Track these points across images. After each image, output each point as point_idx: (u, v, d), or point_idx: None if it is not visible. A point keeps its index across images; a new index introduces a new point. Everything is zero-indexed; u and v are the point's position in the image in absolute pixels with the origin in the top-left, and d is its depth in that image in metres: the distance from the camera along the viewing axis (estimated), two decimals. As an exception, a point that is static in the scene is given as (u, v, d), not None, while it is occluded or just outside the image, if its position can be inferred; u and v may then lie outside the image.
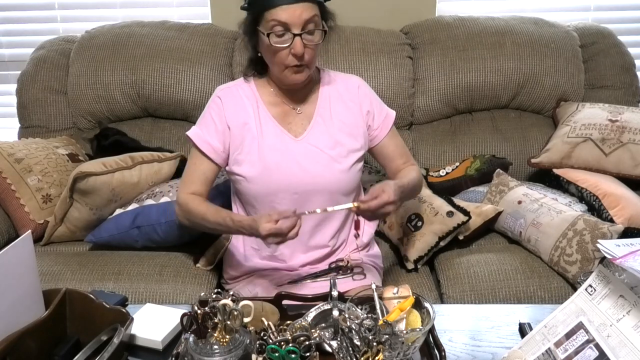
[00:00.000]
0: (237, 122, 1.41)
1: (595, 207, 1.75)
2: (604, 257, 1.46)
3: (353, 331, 0.91)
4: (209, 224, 1.36)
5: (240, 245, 1.53)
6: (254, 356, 0.94)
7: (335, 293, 1.06)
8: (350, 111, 1.45)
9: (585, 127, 1.92)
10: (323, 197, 1.40)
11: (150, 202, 1.76)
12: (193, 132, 1.43)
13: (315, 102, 1.45)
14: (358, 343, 0.91)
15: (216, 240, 1.67)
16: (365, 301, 1.00)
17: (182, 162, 2.02)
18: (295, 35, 1.27)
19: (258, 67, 1.45)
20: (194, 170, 1.43)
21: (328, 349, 0.98)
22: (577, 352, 0.88)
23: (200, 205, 1.38)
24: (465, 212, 1.69)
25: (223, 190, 1.66)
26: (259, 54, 1.39)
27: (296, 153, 1.40)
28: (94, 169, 1.74)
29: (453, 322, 1.14)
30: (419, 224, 1.72)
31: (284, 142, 1.40)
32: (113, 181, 1.77)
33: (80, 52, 2.20)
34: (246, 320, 0.96)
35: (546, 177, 1.99)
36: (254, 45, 1.39)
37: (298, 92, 1.44)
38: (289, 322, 1.02)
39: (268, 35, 1.28)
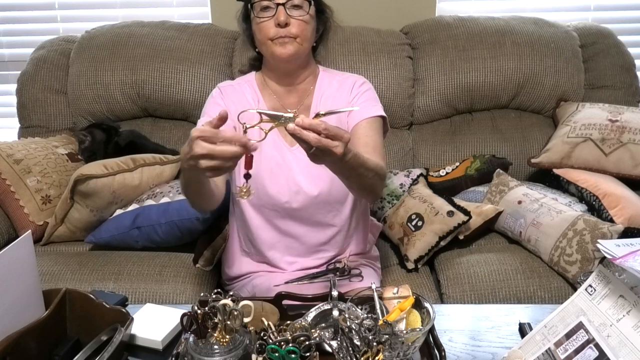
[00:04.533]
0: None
1: (595, 207, 1.75)
2: (604, 257, 1.46)
3: (353, 331, 0.91)
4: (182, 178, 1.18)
5: (235, 247, 1.52)
6: (254, 356, 0.94)
7: (335, 293, 1.06)
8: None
9: (585, 127, 1.92)
10: (317, 206, 1.39)
11: (150, 202, 1.76)
12: (198, 123, 1.38)
13: (310, 105, 1.43)
14: (358, 343, 0.91)
15: (214, 241, 1.67)
16: (365, 301, 1.00)
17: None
18: (278, 4, 1.30)
19: (257, 64, 1.46)
20: None
21: (328, 349, 0.98)
22: (577, 352, 0.87)
23: None
24: (466, 212, 1.69)
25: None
26: (257, 51, 1.41)
27: (290, 163, 1.38)
28: (95, 171, 1.73)
29: (453, 322, 1.13)
30: (420, 223, 1.72)
31: (279, 150, 1.39)
32: (114, 183, 1.76)
33: (80, 52, 2.20)
34: (246, 320, 0.96)
35: (546, 177, 1.99)
36: (250, 35, 1.41)
37: (294, 90, 1.43)
38: (289, 322, 1.02)
39: (252, 6, 1.32)
